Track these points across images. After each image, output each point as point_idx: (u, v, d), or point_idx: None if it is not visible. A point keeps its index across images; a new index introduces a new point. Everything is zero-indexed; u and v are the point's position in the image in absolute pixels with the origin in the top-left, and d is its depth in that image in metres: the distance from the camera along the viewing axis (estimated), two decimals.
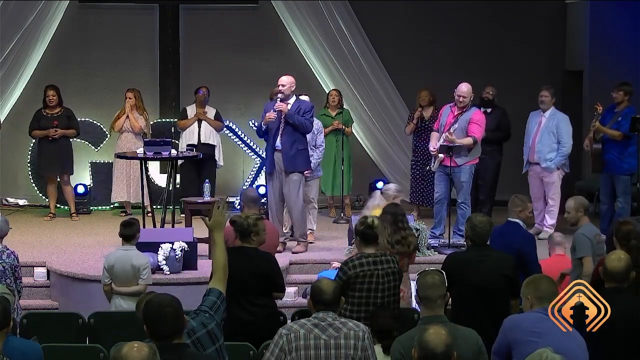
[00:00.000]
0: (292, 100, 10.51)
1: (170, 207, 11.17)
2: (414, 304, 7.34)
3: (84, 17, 14.05)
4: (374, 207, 9.22)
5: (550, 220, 11.56)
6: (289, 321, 7.22)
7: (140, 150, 11.23)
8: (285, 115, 10.34)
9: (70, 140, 12.91)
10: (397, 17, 14.17)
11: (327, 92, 13.34)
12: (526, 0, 14.12)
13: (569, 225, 8.44)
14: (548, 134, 11.47)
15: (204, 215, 10.42)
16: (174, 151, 11.25)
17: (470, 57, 14.01)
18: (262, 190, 12.43)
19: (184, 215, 11.11)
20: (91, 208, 13.50)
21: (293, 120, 10.33)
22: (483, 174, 11.95)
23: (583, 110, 13.42)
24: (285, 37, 14.03)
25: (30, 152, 13.52)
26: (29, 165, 13.58)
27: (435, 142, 11.06)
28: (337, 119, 12.81)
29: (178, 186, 12.21)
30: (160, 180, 13.44)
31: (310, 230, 11.20)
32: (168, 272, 9.56)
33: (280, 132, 10.43)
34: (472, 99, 11.05)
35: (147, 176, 11.71)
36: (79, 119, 13.05)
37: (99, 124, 13.77)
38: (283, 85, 10.47)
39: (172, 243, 9.62)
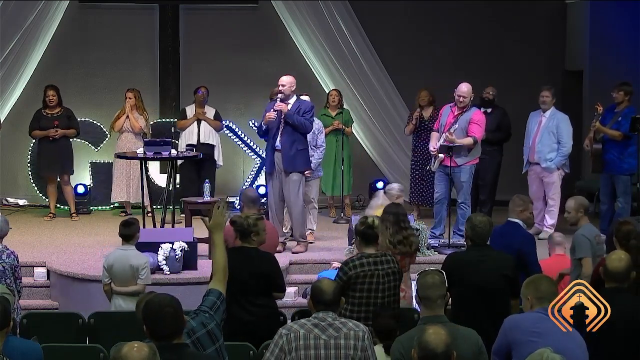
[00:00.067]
0: (293, 100, 10.51)
1: (170, 207, 11.16)
2: (415, 304, 7.34)
3: (84, 17, 14.05)
4: (378, 207, 9.21)
5: (550, 220, 11.56)
6: (289, 321, 7.22)
7: (140, 150, 11.23)
8: (285, 115, 10.34)
9: (70, 140, 12.91)
10: (397, 17, 14.17)
11: (327, 92, 13.34)
12: (526, 0, 14.12)
13: (569, 225, 8.44)
14: (548, 134, 11.47)
15: (204, 215, 10.44)
16: (174, 151, 11.25)
17: (470, 57, 14.01)
18: (262, 190, 12.43)
19: (184, 215, 11.11)
20: (91, 208, 13.50)
21: (292, 120, 10.33)
22: (483, 174, 11.95)
23: (583, 110, 13.42)
24: (285, 37, 14.03)
25: (30, 152, 13.52)
26: (29, 165, 13.58)
27: (435, 142, 11.06)
28: (337, 119, 12.81)
29: (178, 186, 12.21)
30: (160, 180, 13.44)
31: (310, 230, 11.19)
32: (168, 272, 9.56)
33: (280, 132, 10.43)
34: (472, 99, 11.05)
35: (147, 176, 11.71)
36: (79, 119, 13.05)
37: (99, 124, 13.77)
38: (283, 85, 10.47)
39: (172, 243, 9.62)
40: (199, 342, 4.90)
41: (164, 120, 13.76)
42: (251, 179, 13.74)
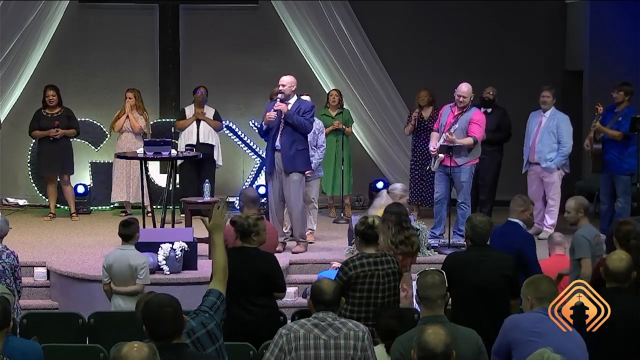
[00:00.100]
0: (293, 100, 10.50)
1: (170, 207, 11.16)
2: (416, 304, 7.34)
3: (84, 17, 14.05)
4: (381, 206, 9.19)
5: (550, 220, 11.56)
6: (289, 321, 7.21)
7: (140, 150, 11.23)
8: (285, 115, 10.33)
9: (70, 140, 12.91)
10: (397, 17, 14.17)
11: (327, 92, 13.34)
12: (526, 0, 14.12)
13: (568, 225, 8.44)
14: (548, 134, 11.47)
15: (203, 215, 10.44)
16: (173, 151, 11.25)
17: (470, 57, 14.00)
18: (262, 190, 12.43)
19: (184, 215, 11.11)
20: (91, 208, 13.50)
21: (292, 120, 10.32)
22: (483, 174, 11.95)
23: (583, 110, 13.42)
24: (285, 37, 14.03)
25: (30, 152, 13.52)
26: (29, 165, 13.58)
27: (435, 142, 11.06)
28: (337, 119, 12.80)
29: (178, 186, 12.20)
30: (160, 180, 13.44)
31: (310, 230, 11.19)
32: (168, 272, 9.55)
33: (280, 132, 10.42)
34: (472, 99, 11.05)
35: (147, 176, 11.71)
36: (79, 119, 13.05)
37: (99, 124, 13.77)
38: (283, 85, 10.46)
39: (172, 243, 9.62)
40: (198, 342, 4.90)
41: (164, 120, 13.75)
42: (251, 179, 13.74)
